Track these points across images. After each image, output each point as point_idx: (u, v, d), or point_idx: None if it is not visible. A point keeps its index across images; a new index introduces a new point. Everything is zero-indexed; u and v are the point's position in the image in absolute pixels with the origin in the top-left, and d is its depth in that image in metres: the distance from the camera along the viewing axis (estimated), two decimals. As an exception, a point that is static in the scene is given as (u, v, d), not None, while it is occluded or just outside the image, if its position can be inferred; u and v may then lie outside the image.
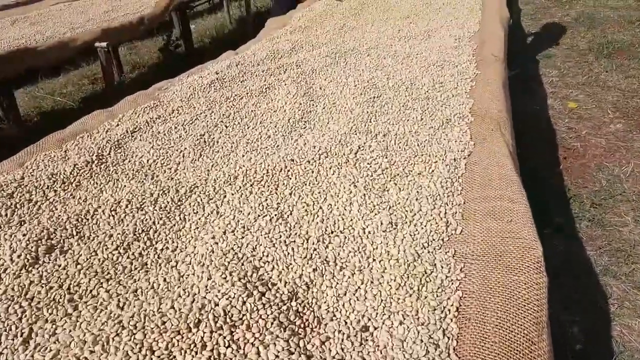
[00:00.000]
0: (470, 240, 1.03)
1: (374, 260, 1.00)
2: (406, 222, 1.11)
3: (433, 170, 1.31)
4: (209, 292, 0.91)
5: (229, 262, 1.00)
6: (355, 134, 1.54)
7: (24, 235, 1.13)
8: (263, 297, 0.89)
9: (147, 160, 1.49)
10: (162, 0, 4.77)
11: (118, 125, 1.73)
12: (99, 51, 3.94)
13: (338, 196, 1.23)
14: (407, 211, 1.15)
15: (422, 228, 1.08)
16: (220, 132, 1.65)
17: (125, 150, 1.56)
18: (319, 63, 2.26)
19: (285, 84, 2.00)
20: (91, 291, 0.98)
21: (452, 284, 0.92)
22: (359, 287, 0.93)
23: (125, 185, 1.36)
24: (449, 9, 3.07)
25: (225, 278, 0.93)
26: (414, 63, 2.16)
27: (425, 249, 1.02)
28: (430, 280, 0.93)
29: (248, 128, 1.68)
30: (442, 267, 0.96)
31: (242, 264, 1.00)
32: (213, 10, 8.81)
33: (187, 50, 5.60)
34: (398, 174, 1.31)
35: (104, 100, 4.32)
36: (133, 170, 1.45)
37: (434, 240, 1.04)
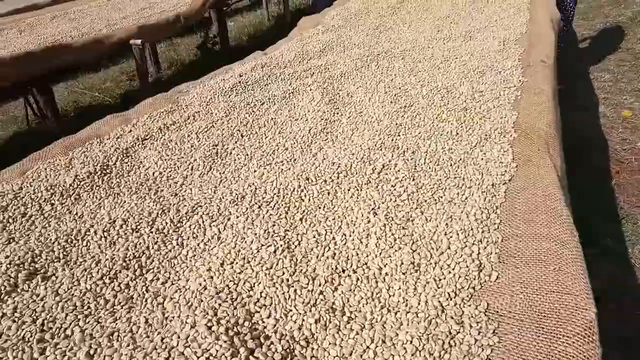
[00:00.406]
0: (507, 292, 0.84)
1: (388, 311, 0.83)
2: (431, 263, 0.93)
3: (467, 198, 1.12)
4: (189, 345, 0.76)
5: (219, 305, 0.85)
6: (381, 150, 1.37)
7: (7, 257, 1.03)
8: (251, 357, 0.74)
9: (153, 173, 1.37)
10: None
11: (131, 131, 1.62)
12: (133, 48, 3.89)
13: (354, 225, 1.06)
14: (432, 248, 0.97)
15: (450, 272, 0.90)
16: (236, 142, 1.51)
17: (133, 160, 1.44)
18: (349, 66, 2.09)
19: (311, 89, 1.85)
20: (65, 330, 0.86)
21: (483, 350, 0.74)
22: (367, 348, 0.77)
23: (125, 201, 1.23)
24: (495, 7, 2.83)
25: (210, 328, 0.79)
26: (452, 68, 1.96)
27: (451, 300, 0.84)
28: (455, 345, 0.75)
29: (265, 138, 1.53)
30: (470, 326, 0.78)
31: (235, 308, 0.85)
32: (252, 8, 8.75)
33: (224, 48, 5.52)
34: (425, 201, 1.13)
35: (140, 97, 4.30)
36: (137, 183, 1.33)
37: (462, 288, 0.87)
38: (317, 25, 2.92)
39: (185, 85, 2.02)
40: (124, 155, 1.46)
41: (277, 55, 2.36)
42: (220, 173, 1.35)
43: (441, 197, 1.14)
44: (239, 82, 1.97)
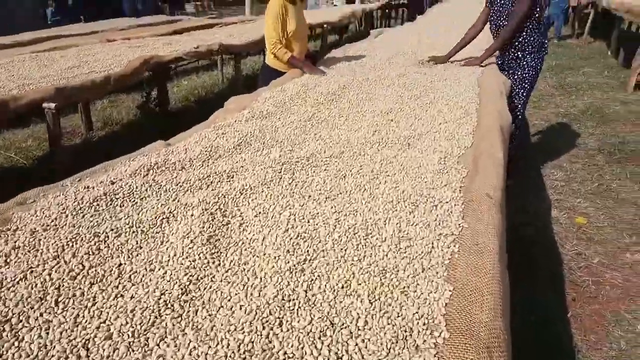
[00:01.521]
0: None
1: None
2: None
3: None
4: None
5: None
6: (251, 356, 0.89)
7: None
8: None
9: None
10: (135, 60, 4.26)
11: None
12: (46, 112, 3.38)
13: None
14: None
15: None
16: (50, 312, 1.00)
17: None
18: (258, 177, 1.64)
19: (192, 216, 1.37)
20: None
21: None
22: None
23: None
24: (441, 105, 2.49)
25: None
26: (380, 192, 1.53)
27: None
28: None
29: (95, 305, 1.03)
30: None
31: None
32: (209, 67, 8.42)
33: (162, 113, 5.07)
34: None
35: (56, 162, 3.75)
36: None
37: None
38: (244, 109, 2.50)
39: (35, 191, 1.51)
40: None
41: (178, 151, 1.90)
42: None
43: None
44: (107, 193, 1.48)
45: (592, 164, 3.98)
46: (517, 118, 3.29)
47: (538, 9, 3.04)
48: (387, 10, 13.61)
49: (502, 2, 3.11)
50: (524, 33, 3.08)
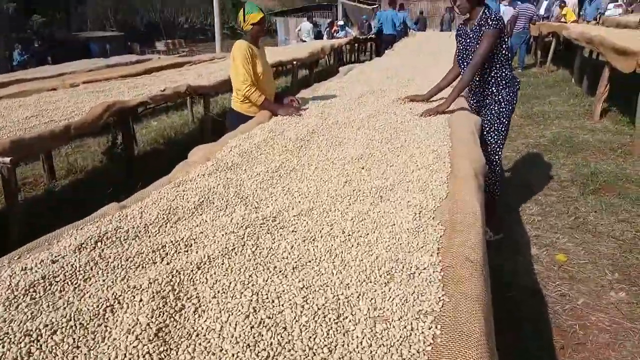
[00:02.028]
0: None
1: None
2: None
3: None
4: None
5: None
6: None
7: None
8: None
9: None
10: (97, 107, 4.09)
11: None
12: (0, 167, 3.17)
13: None
14: None
15: None
16: None
17: None
18: (218, 245, 1.49)
19: (141, 301, 1.21)
20: None
21: None
22: None
23: None
24: (413, 149, 2.40)
25: None
26: (352, 258, 1.39)
27: None
28: None
29: None
30: None
31: None
32: (179, 107, 8.27)
33: (129, 157, 4.88)
34: None
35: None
36: None
37: None
38: (209, 161, 2.36)
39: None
40: None
41: (133, 215, 1.73)
42: None
43: None
44: (46, 275, 1.31)
45: (567, 196, 3.93)
46: (497, 155, 3.22)
47: (504, 44, 3.01)
48: (355, 45, 13.79)
49: (468, 39, 3.07)
50: (495, 68, 3.04)
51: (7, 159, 3.15)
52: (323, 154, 2.45)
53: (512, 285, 2.78)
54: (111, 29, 26.65)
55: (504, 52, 3.02)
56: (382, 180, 2.01)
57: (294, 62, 7.96)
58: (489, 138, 3.15)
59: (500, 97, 3.09)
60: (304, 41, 12.79)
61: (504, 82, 3.07)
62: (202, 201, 1.85)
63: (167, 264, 1.40)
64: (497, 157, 3.23)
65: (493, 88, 3.09)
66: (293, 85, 8.48)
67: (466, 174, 1.93)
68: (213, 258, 1.40)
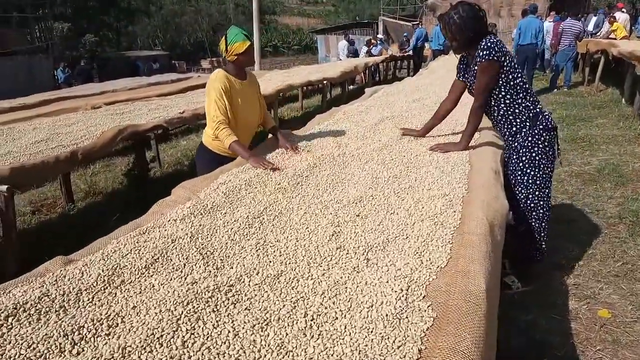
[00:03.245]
0: None
1: None
2: None
3: None
4: None
5: None
6: None
7: None
8: None
9: None
10: (109, 131, 3.93)
11: None
12: (-3, 195, 3.01)
13: None
14: None
15: None
16: None
17: None
18: (141, 331, 1.17)
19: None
20: None
21: None
22: None
23: None
24: (421, 191, 2.03)
25: None
26: (328, 348, 1.05)
27: None
28: None
29: None
30: None
31: None
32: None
33: (143, 181, 4.70)
34: None
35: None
36: None
37: None
38: (189, 200, 2.08)
39: None
40: None
41: (73, 274, 1.46)
42: None
43: None
44: None
45: (614, 237, 3.42)
46: (536, 212, 2.64)
47: (511, 75, 2.46)
48: (393, 62, 13.42)
49: (471, 74, 2.61)
50: (504, 105, 2.51)
51: (4, 187, 3.00)
52: (319, 194, 2.12)
53: (544, 349, 2.34)
54: (157, 48, 27.44)
55: (512, 84, 2.45)
56: (376, 235, 1.66)
57: (324, 82, 7.69)
58: (517, 192, 2.64)
59: (516, 142, 2.55)
60: (340, 59, 12.54)
61: (518, 120, 2.52)
62: (158, 258, 1.56)
63: (76, 354, 1.10)
64: (534, 214, 2.64)
65: (507, 131, 2.57)
66: (323, 104, 8.20)
67: (477, 233, 1.55)
68: (129, 352, 1.09)
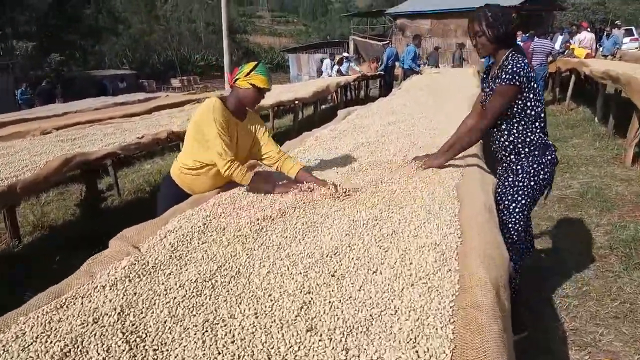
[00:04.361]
0: None
1: None
2: None
3: None
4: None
5: None
6: None
7: None
8: None
9: None
10: (54, 161, 3.49)
11: None
12: None
13: None
14: None
15: None
16: None
17: None
18: None
19: None
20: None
21: None
22: None
23: None
24: (407, 240, 1.69)
25: None
26: None
27: None
28: None
29: None
30: None
31: None
32: (174, 148, 7.70)
33: (92, 212, 4.25)
34: None
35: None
36: None
37: None
38: (127, 256, 1.69)
39: None
40: None
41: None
42: None
43: None
44: None
45: (607, 270, 3.16)
46: (512, 238, 2.34)
47: (530, 104, 2.23)
48: (364, 82, 13.26)
49: (488, 89, 2.37)
50: (515, 131, 2.27)
51: None
52: (287, 244, 1.76)
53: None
54: (125, 67, 26.76)
55: (528, 112, 2.24)
56: (356, 307, 1.31)
57: (296, 102, 7.38)
58: (501, 216, 2.32)
59: (518, 166, 2.29)
60: (331, 75, 12.15)
61: (527, 149, 2.27)
62: (70, 350, 1.16)
63: None
64: (510, 240, 2.32)
65: (512, 156, 2.31)
66: (295, 125, 7.88)
67: (484, 305, 1.21)
68: None
